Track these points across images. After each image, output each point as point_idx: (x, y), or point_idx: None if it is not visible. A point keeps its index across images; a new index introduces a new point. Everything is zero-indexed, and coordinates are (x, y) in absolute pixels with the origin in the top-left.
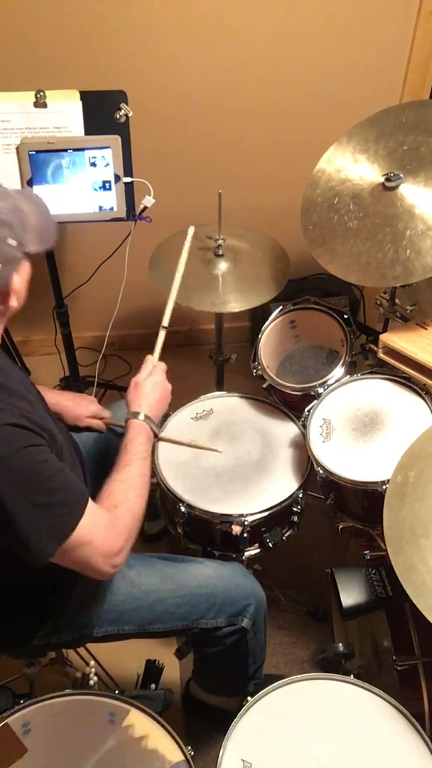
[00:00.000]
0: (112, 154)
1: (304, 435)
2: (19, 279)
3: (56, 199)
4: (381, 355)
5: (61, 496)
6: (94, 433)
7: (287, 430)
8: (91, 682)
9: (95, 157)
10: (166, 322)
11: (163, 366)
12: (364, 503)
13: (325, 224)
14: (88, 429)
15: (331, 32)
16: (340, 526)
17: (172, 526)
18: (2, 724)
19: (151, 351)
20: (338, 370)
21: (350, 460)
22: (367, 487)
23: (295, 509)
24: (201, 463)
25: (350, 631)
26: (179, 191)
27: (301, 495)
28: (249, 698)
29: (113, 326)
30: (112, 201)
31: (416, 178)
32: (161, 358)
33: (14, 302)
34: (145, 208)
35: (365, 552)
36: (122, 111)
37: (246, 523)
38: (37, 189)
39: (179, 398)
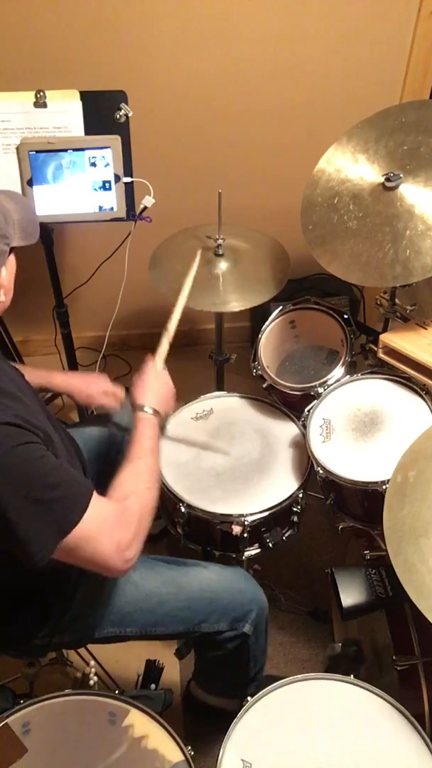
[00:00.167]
0: (112, 154)
1: (304, 435)
2: (6, 273)
3: (56, 199)
4: (381, 355)
5: (61, 491)
6: (94, 434)
7: (287, 430)
8: (91, 682)
9: (95, 157)
10: (171, 330)
11: (160, 363)
12: (364, 503)
13: (325, 224)
14: (97, 418)
15: (331, 32)
16: (340, 526)
17: (172, 526)
18: (2, 724)
19: (151, 351)
20: (338, 370)
21: (350, 460)
22: (367, 487)
23: (295, 509)
24: (201, 464)
25: (350, 631)
26: (179, 191)
27: (301, 495)
28: (249, 698)
29: (113, 326)
30: (112, 201)
31: (416, 178)
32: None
33: (2, 296)
34: (145, 208)
35: (365, 552)
36: (122, 111)
37: (246, 523)
38: (37, 189)
39: (179, 398)
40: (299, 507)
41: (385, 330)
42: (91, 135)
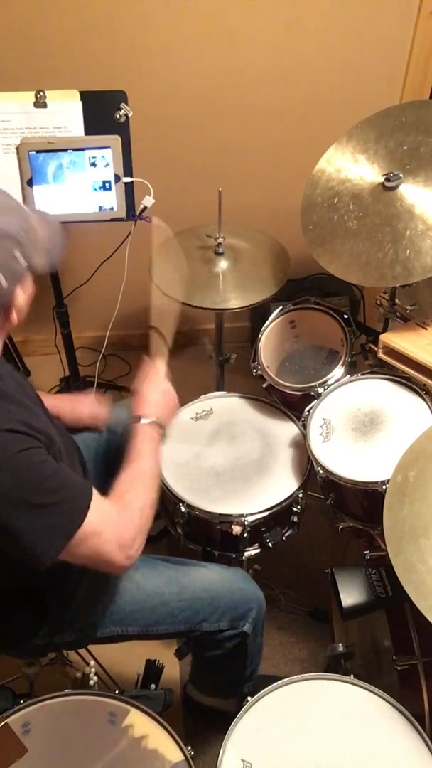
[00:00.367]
0: (112, 154)
1: (304, 435)
2: (23, 295)
3: (56, 199)
4: (381, 355)
5: (63, 494)
6: (95, 435)
7: (287, 430)
8: (91, 682)
9: (95, 157)
10: (169, 339)
11: (162, 368)
12: (364, 503)
13: (325, 224)
14: (87, 429)
15: (331, 32)
16: (340, 526)
17: (172, 526)
18: (2, 724)
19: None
20: (338, 370)
21: (350, 460)
22: (367, 487)
23: (295, 509)
24: (201, 463)
25: (350, 631)
26: (179, 191)
27: (301, 495)
28: (249, 698)
29: (113, 326)
30: (112, 201)
31: (416, 178)
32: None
33: (15, 317)
34: (145, 208)
35: (365, 552)
36: (122, 111)
37: (246, 523)
38: (37, 189)
39: (179, 398)
40: (299, 507)
41: (385, 330)
42: (91, 135)
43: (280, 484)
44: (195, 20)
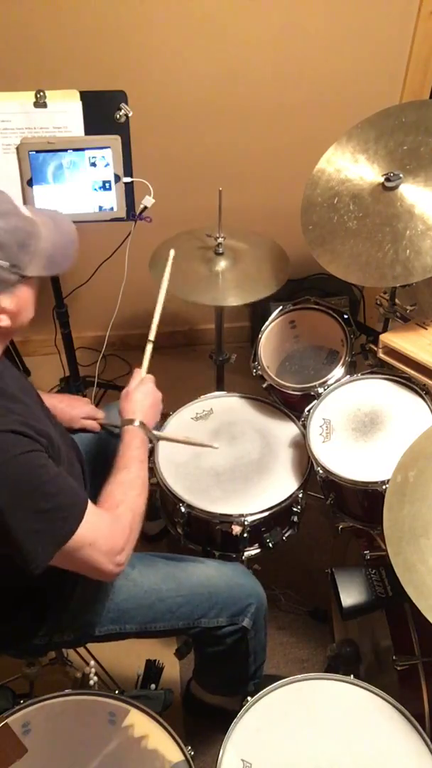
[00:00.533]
0: (112, 154)
1: (304, 435)
2: (10, 301)
3: (56, 199)
4: (381, 355)
5: (59, 501)
6: (90, 434)
7: (287, 430)
8: (91, 682)
9: (95, 157)
10: (151, 336)
11: (151, 377)
12: (364, 503)
13: (325, 224)
14: (83, 430)
15: (331, 32)
16: (340, 526)
17: (172, 526)
18: (2, 724)
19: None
20: (338, 370)
21: (350, 460)
22: (367, 487)
23: (295, 509)
24: (201, 464)
25: (350, 631)
26: (179, 191)
27: (301, 495)
28: (249, 698)
29: (113, 326)
30: (112, 201)
31: (416, 178)
32: (149, 370)
33: (5, 322)
34: (145, 208)
35: (365, 552)
36: (122, 111)
37: (246, 523)
38: (37, 189)
39: (179, 398)
40: (299, 507)
41: (385, 330)
42: (91, 135)
43: (280, 484)
44: (195, 20)
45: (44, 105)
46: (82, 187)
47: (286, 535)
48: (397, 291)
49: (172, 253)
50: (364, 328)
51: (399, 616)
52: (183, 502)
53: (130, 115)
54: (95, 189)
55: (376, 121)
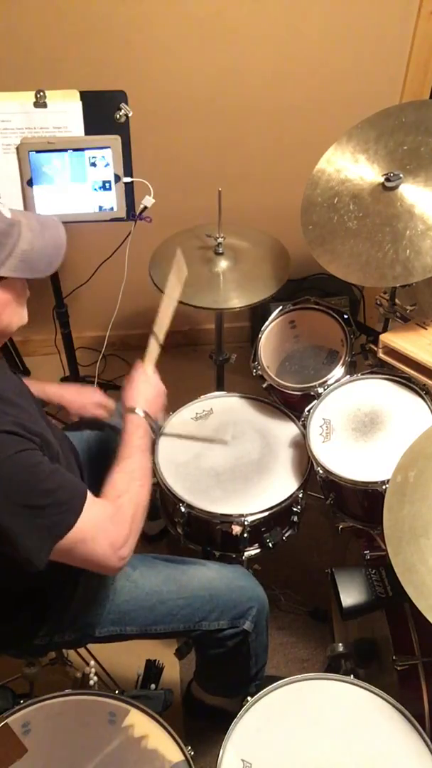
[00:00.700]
0: (112, 154)
1: (304, 435)
2: None
3: (56, 199)
4: (381, 355)
5: (57, 497)
6: (93, 434)
7: (287, 430)
8: (91, 682)
9: (95, 157)
10: (160, 335)
11: (150, 370)
12: (364, 503)
13: (325, 224)
14: (93, 420)
15: (331, 32)
16: (340, 526)
17: (172, 526)
18: (2, 724)
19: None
20: (338, 370)
21: (350, 460)
22: (367, 487)
23: (295, 509)
24: (201, 464)
25: (350, 631)
26: (179, 191)
27: (301, 495)
28: (249, 698)
29: (113, 326)
30: (112, 201)
31: (416, 178)
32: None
33: None
34: (145, 208)
35: (365, 552)
36: (122, 111)
37: (246, 523)
38: (37, 189)
39: (179, 398)
40: (299, 507)
41: (385, 330)
42: (91, 135)
43: (280, 484)
44: (195, 20)
45: (44, 105)
46: (82, 187)
47: (286, 535)
48: (397, 291)
49: (179, 253)
50: (364, 328)
51: (399, 616)
52: (183, 502)
53: (130, 115)
54: (95, 189)
55: (376, 121)
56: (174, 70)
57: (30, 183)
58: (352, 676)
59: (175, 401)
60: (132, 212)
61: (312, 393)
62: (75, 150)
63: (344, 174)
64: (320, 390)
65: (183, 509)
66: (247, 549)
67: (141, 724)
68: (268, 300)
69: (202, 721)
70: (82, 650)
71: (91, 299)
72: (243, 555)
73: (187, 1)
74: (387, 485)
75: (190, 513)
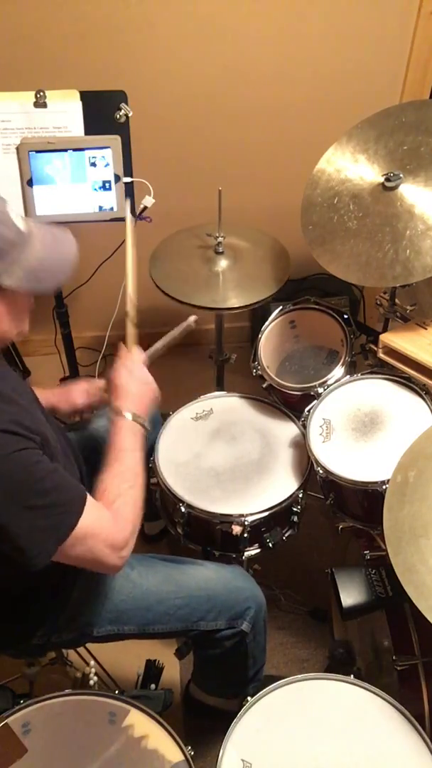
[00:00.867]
0: (112, 154)
1: (304, 435)
2: None
3: (56, 199)
4: (381, 355)
5: (57, 496)
6: (93, 433)
7: (287, 430)
8: (91, 682)
9: (95, 157)
10: (133, 315)
11: (137, 357)
12: (364, 503)
13: (325, 224)
14: (93, 420)
15: (331, 32)
16: (340, 526)
17: (172, 526)
18: (2, 724)
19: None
20: (338, 370)
21: (350, 460)
22: (367, 487)
23: (295, 509)
24: (201, 463)
25: (350, 631)
26: (179, 191)
27: (301, 495)
28: (249, 698)
29: (113, 326)
30: (112, 201)
31: (416, 178)
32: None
33: None
34: (145, 208)
35: (365, 552)
36: (122, 111)
37: (246, 523)
38: (37, 189)
39: (179, 398)
40: (299, 507)
41: (385, 330)
42: (91, 135)
43: (280, 484)
44: (195, 20)
45: (44, 105)
46: (82, 187)
47: (286, 535)
48: (397, 291)
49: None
50: (364, 328)
51: (399, 616)
52: (183, 502)
53: (130, 115)
54: (95, 189)
55: (376, 121)
56: (174, 70)
57: (30, 183)
58: (352, 676)
59: (175, 401)
60: (132, 212)
61: (312, 393)
62: (75, 150)
63: (344, 174)
64: (320, 390)
65: (183, 509)
66: (247, 549)
67: (141, 724)
68: (268, 300)
69: (202, 720)
70: (82, 650)
71: (91, 299)
72: (243, 555)
73: (187, 1)
74: (387, 485)
75: (190, 513)
